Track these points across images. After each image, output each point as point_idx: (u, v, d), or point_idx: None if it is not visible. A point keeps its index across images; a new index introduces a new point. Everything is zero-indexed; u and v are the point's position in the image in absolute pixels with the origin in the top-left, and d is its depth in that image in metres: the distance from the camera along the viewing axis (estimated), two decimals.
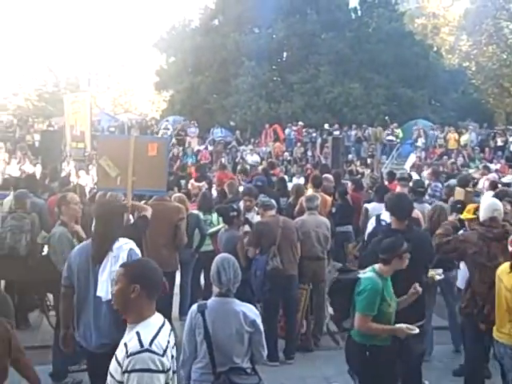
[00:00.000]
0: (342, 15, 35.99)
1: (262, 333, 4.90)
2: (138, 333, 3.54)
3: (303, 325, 8.48)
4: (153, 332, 3.56)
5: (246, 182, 12.90)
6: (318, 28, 34.88)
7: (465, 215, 7.25)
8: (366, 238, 8.93)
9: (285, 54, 37.41)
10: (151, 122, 33.43)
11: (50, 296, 8.61)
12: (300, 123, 30.88)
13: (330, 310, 6.46)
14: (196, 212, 9.76)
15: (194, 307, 4.93)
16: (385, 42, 34.41)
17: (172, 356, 3.65)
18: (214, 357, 4.80)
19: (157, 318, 3.70)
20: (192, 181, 13.03)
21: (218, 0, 38.72)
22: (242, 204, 9.39)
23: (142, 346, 3.46)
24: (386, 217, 8.51)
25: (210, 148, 29.22)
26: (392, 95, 33.94)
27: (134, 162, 7.68)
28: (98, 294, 5.20)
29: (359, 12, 37.80)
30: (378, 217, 8.74)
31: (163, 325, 3.69)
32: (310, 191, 10.45)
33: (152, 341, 3.49)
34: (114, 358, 3.57)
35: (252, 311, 4.90)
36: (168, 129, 30.40)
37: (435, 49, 40.06)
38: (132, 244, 5.43)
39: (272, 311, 8.01)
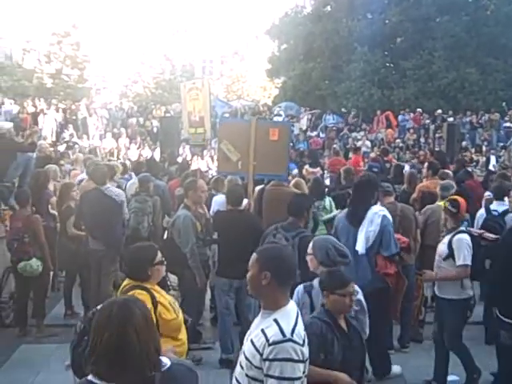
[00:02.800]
0: None
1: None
2: (276, 321, 3.52)
3: (421, 311, 8.36)
4: (292, 321, 3.55)
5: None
6: (433, 12, 34.01)
7: None
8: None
9: (398, 40, 36.75)
10: (264, 108, 33.90)
11: (171, 276, 9.10)
12: (418, 110, 30.41)
13: None
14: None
15: (301, 287, 5.12)
16: (504, 24, 32.97)
17: (308, 344, 3.63)
18: None
19: (292, 307, 3.67)
20: (306, 166, 13.22)
21: None
22: None
23: (284, 335, 3.44)
24: (498, 206, 8.57)
25: (322, 135, 29.41)
26: (511, 80, 32.74)
27: (255, 146, 7.89)
28: (356, 248, 6.51)
29: None
30: (487, 206, 8.74)
31: (298, 313, 3.67)
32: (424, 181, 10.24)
33: (293, 330, 3.48)
34: (250, 341, 3.57)
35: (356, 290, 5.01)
36: (280, 115, 30.76)
37: None
38: (385, 212, 6.67)
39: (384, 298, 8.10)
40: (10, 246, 8.65)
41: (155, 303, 4.64)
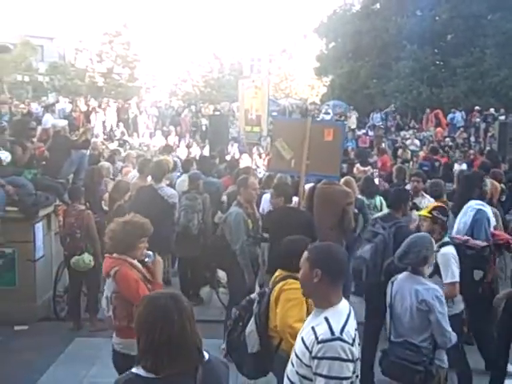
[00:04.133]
0: None
1: (439, 314, 5.03)
2: (326, 319, 3.52)
3: None
4: (342, 320, 3.54)
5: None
6: (484, 9, 33.42)
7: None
8: None
9: (448, 37, 36.29)
10: (312, 107, 33.87)
11: (221, 273, 9.10)
12: (476, 107, 29.90)
13: None
14: (360, 196, 9.73)
15: None
16: None
17: (358, 344, 3.65)
18: (392, 326, 5.21)
19: (344, 305, 3.66)
20: (358, 165, 13.18)
21: None
22: (408, 187, 9.42)
23: (333, 333, 3.45)
24: None
25: (370, 133, 29.24)
26: None
27: (309, 145, 7.91)
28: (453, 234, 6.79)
29: None
30: None
31: (350, 312, 3.65)
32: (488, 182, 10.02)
33: (342, 329, 3.48)
34: (301, 339, 3.60)
35: (429, 291, 5.07)
36: (328, 113, 30.71)
37: None
38: (482, 206, 6.92)
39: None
40: (63, 240, 8.85)
41: None
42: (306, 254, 3.74)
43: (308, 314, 4.46)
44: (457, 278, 6.12)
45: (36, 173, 9.94)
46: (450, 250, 6.26)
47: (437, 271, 6.22)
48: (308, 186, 9.11)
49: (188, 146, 24.80)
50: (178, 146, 25.53)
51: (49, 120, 18.83)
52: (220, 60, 50.45)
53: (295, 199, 8.59)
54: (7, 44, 13.55)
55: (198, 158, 14.61)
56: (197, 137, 27.47)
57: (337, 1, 42.79)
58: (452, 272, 6.13)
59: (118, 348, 5.05)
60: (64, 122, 12.43)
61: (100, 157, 12.75)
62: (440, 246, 6.20)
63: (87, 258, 8.47)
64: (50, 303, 9.33)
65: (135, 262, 5.12)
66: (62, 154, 10.73)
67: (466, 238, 6.88)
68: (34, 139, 10.59)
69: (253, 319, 4.96)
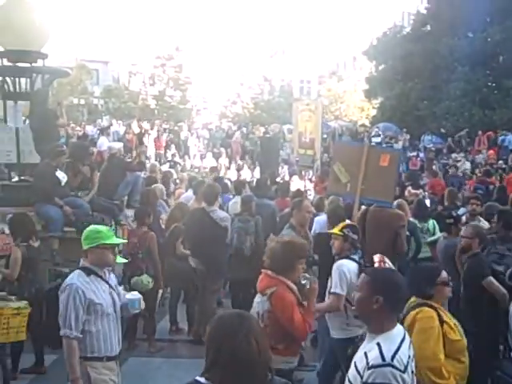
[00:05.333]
0: None
1: None
2: (379, 344, 3.47)
3: None
4: (394, 346, 3.48)
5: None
6: None
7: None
8: None
9: (500, 58, 35.82)
10: (362, 129, 33.80)
11: None
12: None
13: None
14: (412, 220, 9.69)
15: None
16: None
17: (412, 371, 3.56)
18: None
19: (398, 331, 3.61)
20: (409, 188, 13.12)
21: (430, 5, 38.17)
22: (462, 211, 9.34)
23: (383, 359, 3.39)
24: None
25: (421, 155, 28.99)
26: None
27: (365, 170, 7.96)
28: None
29: None
30: None
31: (404, 338, 3.59)
32: None
33: (394, 355, 3.41)
34: (353, 364, 3.57)
35: None
36: (378, 135, 30.57)
37: None
38: None
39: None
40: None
41: (441, 321, 4.64)
42: (366, 277, 3.68)
43: (444, 342, 4.51)
44: (338, 290, 6.08)
45: (93, 194, 10.22)
46: (345, 262, 6.27)
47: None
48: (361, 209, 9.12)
49: (238, 169, 25.02)
50: (229, 168, 25.78)
51: (104, 142, 19.35)
52: (270, 82, 50.76)
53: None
54: (66, 69, 13.95)
55: (248, 180, 14.75)
56: (247, 159, 27.67)
57: (386, 23, 42.62)
58: (335, 283, 6.15)
59: None
60: (119, 145, 12.74)
61: (154, 179, 12.97)
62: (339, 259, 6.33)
63: (146, 279, 8.57)
64: None
65: (292, 284, 5.15)
66: (117, 175, 11.01)
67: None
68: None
69: None
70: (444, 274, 4.84)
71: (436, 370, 4.46)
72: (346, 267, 6.22)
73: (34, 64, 10.74)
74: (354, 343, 5.79)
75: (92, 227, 5.18)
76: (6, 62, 10.71)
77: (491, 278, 6.46)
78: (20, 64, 10.73)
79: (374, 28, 44.71)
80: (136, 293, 5.55)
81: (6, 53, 10.55)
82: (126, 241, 6.39)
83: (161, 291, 9.20)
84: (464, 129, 31.38)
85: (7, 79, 10.49)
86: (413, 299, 4.87)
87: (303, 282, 5.21)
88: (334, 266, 6.32)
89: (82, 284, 4.89)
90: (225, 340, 2.93)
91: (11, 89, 10.52)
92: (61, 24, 43.53)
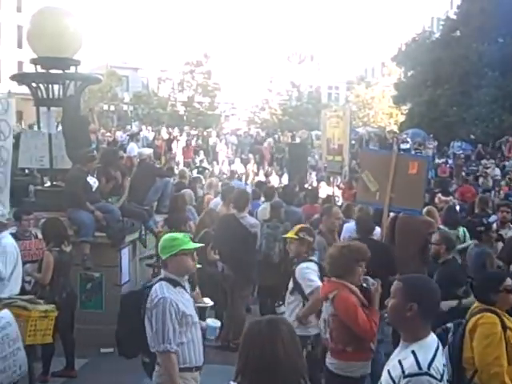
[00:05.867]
0: None
1: None
2: (414, 353, 3.43)
3: None
4: (430, 354, 3.43)
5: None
6: None
7: None
8: None
9: None
10: (390, 135, 33.63)
11: None
12: None
13: None
14: (442, 227, 9.52)
15: None
16: None
17: (447, 380, 3.56)
18: None
19: (432, 339, 3.57)
20: (439, 195, 13.02)
21: (460, 11, 37.95)
22: (493, 218, 9.24)
23: (420, 368, 3.35)
24: None
25: (450, 162, 28.75)
26: None
27: (393, 178, 7.92)
28: None
29: None
30: None
31: (439, 347, 3.55)
32: None
33: (430, 364, 3.37)
34: (387, 371, 3.53)
35: None
36: (407, 142, 30.40)
37: None
38: None
39: None
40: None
41: (504, 327, 4.61)
42: (400, 284, 3.62)
43: (507, 348, 4.47)
44: (314, 284, 6.13)
45: (123, 200, 10.31)
46: (305, 265, 6.39)
47: (296, 287, 6.35)
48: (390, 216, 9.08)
49: (267, 175, 25.01)
50: (257, 174, 25.78)
51: (134, 148, 19.52)
52: (298, 88, 50.77)
53: (378, 230, 8.56)
54: (98, 75, 14.12)
55: (276, 186, 14.73)
56: (275, 165, 27.68)
57: (415, 29, 42.48)
58: (306, 284, 6.24)
59: (332, 368, 5.24)
60: (149, 151, 12.84)
61: (183, 184, 13.06)
62: (298, 263, 6.43)
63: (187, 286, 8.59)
64: None
65: (354, 287, 5.22)
66: (147, 181, 11.10)
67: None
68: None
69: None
70: (509, 281, 4.81)
71: (498, 376, 4.42)
72: (306, 265, 6.40)
73: (66, 71, 10.88)
74: (306, 341, 6.07)
75: (167, 236, 5.15)
76: (39, 69, 10.84)
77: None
78: (53, 70, 10.87)
79: (402, 34, 44.58)
80: (217, 320, 5.51)
81: (40, 59, 10.68)
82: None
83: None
84: (497, 135, 31.06)
85: (40, 86, 10.61)
86: (476, 304, 4.87)
87: (364, 284, 5.29)
88: (297, 271, 6.42)
89: (173, 296, 4.83)
90: (252, 347, 3.01)
91: (44, 95, 10.65)
92: (92, 31, 44.09)
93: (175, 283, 4.93)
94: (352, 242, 5.36)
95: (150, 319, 4.80)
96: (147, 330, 4.85)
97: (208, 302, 5.57)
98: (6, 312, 6.27)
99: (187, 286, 5.26)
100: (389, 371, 3.52)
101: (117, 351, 8.79)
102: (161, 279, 5.00)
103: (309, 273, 6.34)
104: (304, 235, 6.64)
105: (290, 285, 6.53)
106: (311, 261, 6.57)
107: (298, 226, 7.02)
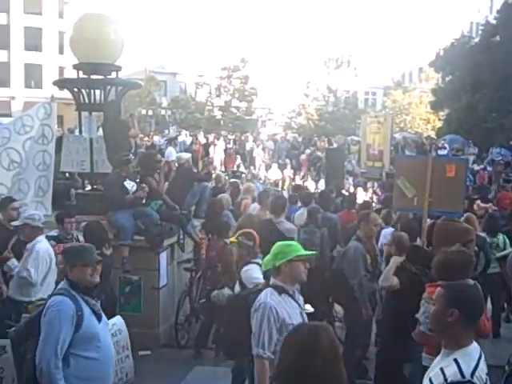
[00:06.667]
0: None
1: None
2: (456, 361, 3.41)
3: None
4: (473, 362, 3.42)
5: None
6: None
7: None
8: None
9: None
10: (427, 141, 33.34)
11: (337, 307, 9.24)
12: None
13: None
14: (482, 234, 9.47)
15: None
16: None
17: None
18: None
19: (475, 347, 3.55)
20: (478, 201, 12.89)
21: (500, 15, 37.46)
22: None
23: (463, 376, 3.34)
24: None
25: (489, 168, 28.39)
26: None
27: (431, 182, 7.90)
28: None
29: None
30: None
31: (481, 355, 3.53)
32: None
33: (473, 372, 3.36)
34: (428, 380, 3.52)
35: None
36: (445, 148, 30.09)
37: None
38: None
39: None
40: (205, 274, 9.14)
41: None
42: (441, 290, 3.64)
43: None
44: (260, 281, 6.16)
45: (161, 204, 10.42)
46: (248, 267, 6.58)
47: (242, 289, 6.48)
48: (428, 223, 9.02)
49: (303, 180, 25.05)
50: (294, 180, 25.82)
51: (172, 153, 19.68)
52: (335, 93, 50.63)
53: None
54: (138, 81, 14.31)
55: (312, 191, 14.70)
56: (312, 170, 27.66)
57: (454, 33, 42.07)
58: (252, 278, 6.39)
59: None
60: (188, 155, 12.93)
61: (221, 189, 13.13)
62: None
63: (227, 292, 8.48)
64: (172, 331, 9.65)
65: None
66: (185, 185, 11.19)
67: None
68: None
69: None
70: None
71: None
72: (248, 267, 6.60)
73: (107, 76, 11.05)
74: None
75: (281, 243, 5.19)
76: (81, 75, 11.03)
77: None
78: (94, 76, 11.06)
79: (441, 38, 44.18)
80: None
81: (81, 65, 10.88)
82: (315, 252, 6.45)
83: None
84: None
85: (82, 91, 10.80)
86: None
87: None
88: (242, 275, 6.65)
89: (276, 303, 4.83)
90: (295, 355, 2.97)
91: (86, 100, 10.83)
92: (131, 36, 44.67)
93: (281, 290, 4.93)
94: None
95: (252, 323, 4.88)
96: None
97: (308, 308, 5.56)
98: (118, 318, 6.45)
99: (297, 294, 5.22)
100: (430, 379, 3.50)
101: (154, 354, 9.03)
102: (268, 286, 5.04)
103: (251, 272, 6.51)
104: (243, 239, 6.90)
105: (237, 287, 6.71)
106: (253, 263, 6.68)
107: (240, 231, 7.27)
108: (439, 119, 44.61)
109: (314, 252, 5.80)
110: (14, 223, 8.13)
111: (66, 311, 4.49)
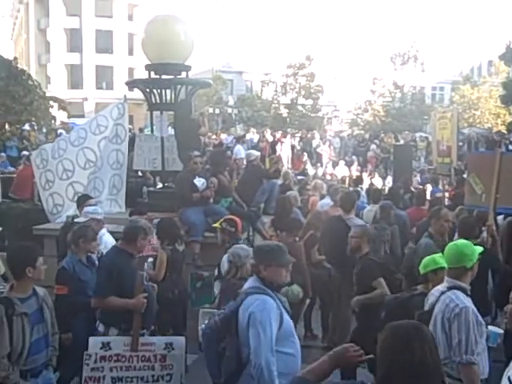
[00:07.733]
0: None
1: None
2: None
3: None
4: None
5: None
6: None
7: None
8: None
9: None
10: (497, 137, 32.53)
11: None
12: None
13: None
14: None
15: None
16: None
17: None
18: None
19: None
20: None
21: None
22: None
23: None
24: None
25: None
26: None
27: (498, 178, 7.76)
28: None
29: None
30: None
31: None
32: None
33: None
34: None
35: None
36: None
37: None
38: None
39: None
40: None
41: None
42: None
43: None
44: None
45: (231, 201, 10.56)
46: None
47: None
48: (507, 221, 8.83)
49: (371, 177, 24.81)
50: (361, 177, 25.56)
51: (240, 150, 19.83)
52: (401, 89, 49.94)
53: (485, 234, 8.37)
54: (207, 80, 14.55)
55: (380, 187, 14.55)
56: (380, 167, 27.39)
57: None
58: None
59: None
60: (257, 153, 13.05)
61: (289, 186, 13.19)
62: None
63: (296, 289, 8.61)
64: None
65: None
66: (255, 182, 11.30)
67: None
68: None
69: None
70: None
71: None
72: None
73: (178, 76, 11.27)
74: None
75: (464, 243, 5.10)
76: (152, 75, 11.29)
77: (381, 280, 7.09)
78: (164, 76, 11.29)
79: (510, 30, 43.05)
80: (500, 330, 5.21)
81: (153, 66, 11.13)
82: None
83: (308, 300, 9.35)
84: None
85: (154, 91, 11.05)
86: None
87: None
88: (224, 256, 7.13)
89: (472, 306, 4.76)
90: (399, 353, 2.94)
91: (157, 100, 11.08)
92: (199, 35, 45.25)
93: (465, 292, 4.86)
94: None
95: (447, 329, 4.75)
96: (438, 339, 4.69)
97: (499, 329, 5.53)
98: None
99: None
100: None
101: None
102: (450, 287, 4.92)
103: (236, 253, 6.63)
104: (226, 226, 7.81)
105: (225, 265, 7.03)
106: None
107: (223, 218, 8.19)
108: (510, 114, 43.44)
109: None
110: (79, 219, 8.40)
111: (274, 310, 4.53)
